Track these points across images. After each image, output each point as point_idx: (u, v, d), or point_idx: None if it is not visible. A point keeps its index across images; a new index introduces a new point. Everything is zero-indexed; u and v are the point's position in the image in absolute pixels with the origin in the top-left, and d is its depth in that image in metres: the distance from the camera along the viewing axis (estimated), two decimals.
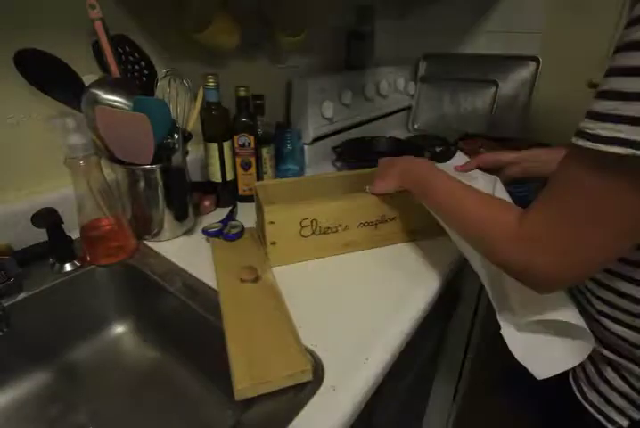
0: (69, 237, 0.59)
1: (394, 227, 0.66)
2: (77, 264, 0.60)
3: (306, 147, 1.02)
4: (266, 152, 0.85)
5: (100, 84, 0.58)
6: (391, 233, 0.66)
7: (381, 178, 0.61)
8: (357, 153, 1.03)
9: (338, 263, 0.63)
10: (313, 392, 0.41)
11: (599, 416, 0.47)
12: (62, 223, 0.56)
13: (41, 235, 0.57)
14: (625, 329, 0.43)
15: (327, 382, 0.42)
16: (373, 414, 0.56)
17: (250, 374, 0.40)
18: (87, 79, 0.58)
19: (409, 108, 1.43)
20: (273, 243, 0.60)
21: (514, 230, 0.37)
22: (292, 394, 0.41)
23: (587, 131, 0.30)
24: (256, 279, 0.55)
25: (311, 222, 0.60)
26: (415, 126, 1.43)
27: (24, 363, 0.57)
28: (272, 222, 0.58)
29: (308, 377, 0.42)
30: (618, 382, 0.45)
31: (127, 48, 0.63)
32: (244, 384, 0.39)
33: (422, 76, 1.39)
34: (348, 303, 0.54)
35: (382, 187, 0.61)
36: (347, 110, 1.12)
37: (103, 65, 0.61)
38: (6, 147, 0.60)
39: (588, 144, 0.30)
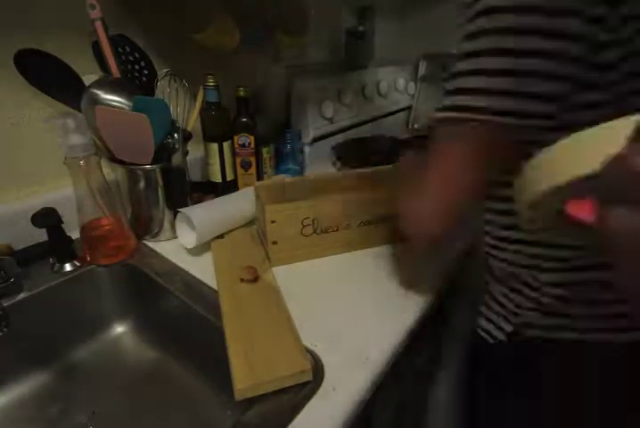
0: (69, 237, 0.59)
1: (394, 226, 0.66)
2: (77, 264, 0.60)
3: (306, 147, 1.02)
4: (266, 152, 0.85)
5: (100, 84, 0.58)
6: (392, 231, 0.66)
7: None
8: (357, 153, 1.03)
9: (338, 262, 0.63)
10: (313, 392, 0.41)
11: (485, 334, 0.53)
12: (62, 223, 0.56)
13: (41, 235, 0.57)
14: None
15: (327, 382, 0.42)
16: (373, 414, 0.56)
17: (250, 374, 0.40)
18: (87, 79, 0.58)
19: (409, 108, 1.43)
20: (274, 243, 0.60)
21: None
22: (292, 394, 0.41)
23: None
24: (256, 279, 0.55)
25: (312, 221, 0.60)
26: (415, 126, 1.43)
27: (24, 363, 0.57)
28: (273, 221, 0.58)
29: (308, 377, 0.42)
30: (496, 300, 0.52)
31: (127, 48, 0.63)
32: (244, 384, 0.40)
33: (422, 76, 1.39)
34: (349, 303, 0.54)
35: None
36: (347, 110, 1.12)
37: (103, 65, 0.61)
38: (6, 147, 0.60)
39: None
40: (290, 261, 0.62)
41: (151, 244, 0.67)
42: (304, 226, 0.60)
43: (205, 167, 0.81)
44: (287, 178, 0.70)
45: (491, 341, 0.52)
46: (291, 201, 0.59)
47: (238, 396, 0.40)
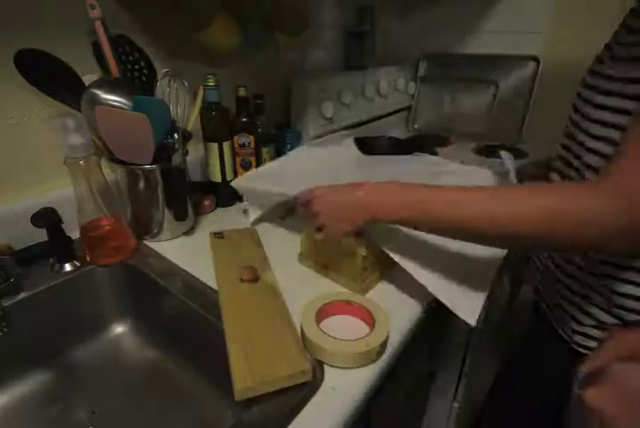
0: (69, 237, 0.59)
1: None
2: (77, 264, 0.60)
3: None
4: (266, 152, 0.85)
5: (100, 84, 0.58)
6: None
7: (333, 220, 0.50)
8: None
9: None
10: (313, 392, 0.41)
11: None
12: (62, 223, 0.56)
13: (41, 235, 0.57)
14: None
15: (327, 382, 0.42)
16: (373, 414, 0.56)
17: (250, 375, 0.40)
18: (87, 79, 0.58)
19: (409, 108, 1.43)
20: (365, 270, 0.56)
21: (605, 192, 0.36)
22: (292, 394, 0.41)
23: None
24: (256, 279, 0.55)
25: None
26: (415, 126, 1.43)
27: (24, 363, 0.57)
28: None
29: (308, 377, 0.42)
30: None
31: (127, 48, 0.63)
32: (244, 384, 0.40)
33: (422, 76, 1.39)
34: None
35: (339, 230, 0.50)
36: (347, 110, 1.12)
37: (103, 65, 0.61)
38: (6, 147, 0.60)
39: None
40: (376, 283, 0.59)
41: (151, 244, 0.67)
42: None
43: (205, 167, 0.81)
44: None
45: None
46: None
47: (238, 396, 0.39)
